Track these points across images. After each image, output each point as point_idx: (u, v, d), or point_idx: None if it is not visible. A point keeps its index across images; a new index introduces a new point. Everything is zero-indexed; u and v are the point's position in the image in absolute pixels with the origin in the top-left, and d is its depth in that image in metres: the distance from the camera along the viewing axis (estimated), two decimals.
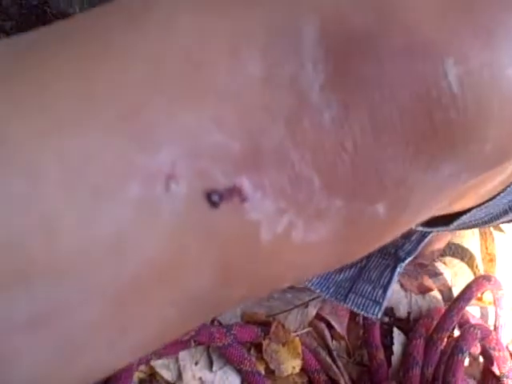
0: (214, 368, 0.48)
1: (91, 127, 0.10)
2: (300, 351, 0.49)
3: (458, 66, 0.11)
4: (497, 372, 0.50)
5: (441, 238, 0.55)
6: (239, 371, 0.48)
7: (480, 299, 0.55)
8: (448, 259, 0.57)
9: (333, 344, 0.52)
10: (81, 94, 0.10)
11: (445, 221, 0.25)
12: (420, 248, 0.31)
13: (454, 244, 0.57)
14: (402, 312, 0.54)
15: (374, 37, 0.11)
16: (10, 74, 0.10)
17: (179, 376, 0.48)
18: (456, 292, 0.54)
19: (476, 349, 0.50)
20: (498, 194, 0.22)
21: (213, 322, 0.50)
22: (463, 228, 0.27)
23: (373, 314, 0.31)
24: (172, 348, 0.48)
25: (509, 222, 0.28)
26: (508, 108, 0.12)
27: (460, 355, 0.47)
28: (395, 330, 0.52)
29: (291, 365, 0.49)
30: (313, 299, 0.52)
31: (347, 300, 0.32)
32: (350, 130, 0.12)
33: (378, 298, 0.32)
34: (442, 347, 0.50)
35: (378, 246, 0.14)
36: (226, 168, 0.11)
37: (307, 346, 0.50)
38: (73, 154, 0.10)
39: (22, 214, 0.10)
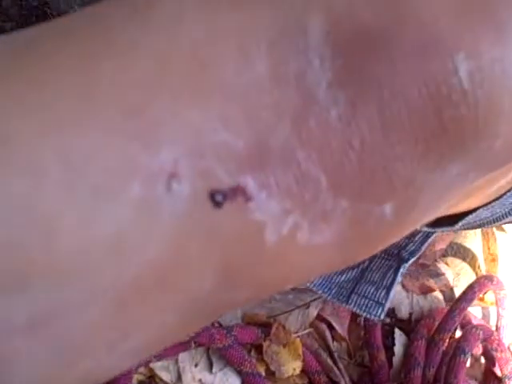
0: (214, 370, 0.48)
1: (92, 126, 0.10)
2: (301, 352, 0.49)
3: (469, 61, 0.11)
4: (498, 373, 0.50)
5: (443, 238, 0.55)
6: (239, 373, 0.48)
7: (482, 299, 0.55)
8: (450, 259, 0.56)
9: (334, 345, 0.51)
10: (82, 93, 0.10)
11: (449, 221, 0.24)
12: (423, 248, 0.31)
13: (456, 244, 0.57)
14: (403, 313, 0.54)
15: (387, 33, 0.11)
16: (9, 71, 0.10)
17: (179, 378, 0.48)
18: (458, 292, 0.54)
19: (478, 350, 0.50)
20: (505, 194, 0.22)
21: (213, 323, 0.50)
22: (468, 228, 0.26)
23: (375, 316, 0.31)
24: (171, 349, 0.48)
25: None
26: None
27: (462, 356, 0.47)
28: (397, 330, 0.52)
29: (292, 366, 0.49)
30: (314, 300, 0.52)
31: (349, 301, 0.32)
32: (358, 127, 0.11)
33: (380, 300, 0.31)
34: (444, 348, 0.49)
35: (383, 247, 0.14)
36: (230, 167, 0.11)
37: (308, 348, 0.50)
38: (73, 153, 0.10)
39: (22, 213, 0.10)
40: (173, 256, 0.11)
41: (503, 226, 0.56)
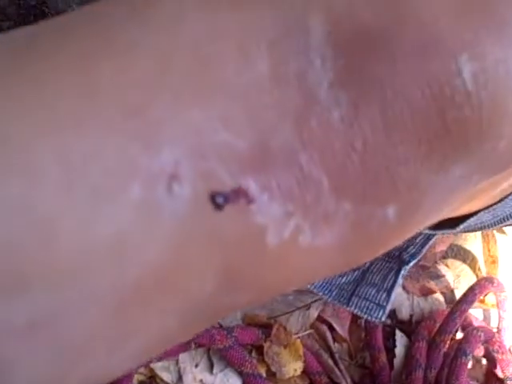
0: (215, 370, 0.48)
1: (92, 126, 0.10)
2: (301, 353, 0.49)
3: (473, 62, 0.11)
4: (500, 375, 0.50)
5: (443, 240, 0.55)
6: (240, 373, 0.48)
7: (483, 301, 0.54)
8: (450, 261, 0.56)
9: (335, 346, 0.51)
10: (82, 93, 0.10)
11: (451, 223, 0.24)
12: (424, 251, 0.31)
13: (456, 246, 0.57)
14: (404, 314, 0.54)
15: (387, 33, 0.11)
16: (8, 71, 0.10)
17: (179, 378, 0.48)
18: (458, 294, 0.54)
19: (479, 351, 0.50)
20: (506, 197, 0.22)
21: None
22: (469, 231, 0.26)
23: (376, 318, 0.31)
24: (172, 350, 0.48)
25: None
26: None
27: (463, 358, 0.47)
28: (397, 332, 0.52)
29: (293, 367, 0.49)
30: (315, 301, 0.51)
31: (350, 303, 0.32)
32: (360, 129, 0.11)
33: (381, 302, 0.31)
34: (445, 350, 0.49)
35: (386, 249, 0.14)
36: (231, 168, 0.11)
37: (309, 349, 0.50)
38: (73, 153, 0.10)
39: (21, 214, 0.09)
40: (173, 258, 0.11)
41: (504, 228, 0.56)
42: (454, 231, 0.25)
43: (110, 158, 0.10)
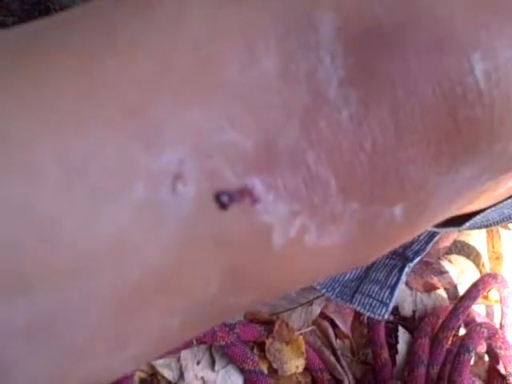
0: (216, 367, 0.48)
1: (92, 126, 0.10)
2: (304, 350, 0.49)
3: (485, 60, 0.11)
4: (503, 371, 0.50)
5: (447, 236, 0.55)
6: (242, 370, 0.48)
7: (486, 297, 0.54)
8: (454, 257, 0.56)
9: (337, 343, 0.51)
10: (83, 92, 0.10)
11: (457, 221, 0.24)
12: (428, 248, 0.31)
13: (460, 242, 0.57)
14: (406, 310, 0.53)
15: (401, 28, 0.11)
16: (9, 70, 0.10)
17: (181, 375, 0.48)
18: (462, 290, 0.54)
19: (482, 348, 0.50)
20: None
21: None
22: (474, 228, 0.26)
23: (379, 315, 0.31)
24: (173, 347, 0.48)
25: None
26: None
27: (466, 354, 0.47)
28: (400, 328, 0.52)
29: (294, 364, 0.49)
30: (317, 297, 0.51)
31: (353, 300, 0.32)
32: (369, 128, 0.11)
33: (384, 299, 0.31)
34: (448, 346, 0.49)
35: (392, 248, 0.14)
36: (237, 167, 0.11)
37: (311, 345, 0.50)
38: (74, 153, 0.10)
39: (21, 214, 0.09)
40: (177, 258, 0.11)
41: (508, 224, 0.55)
42: (459, 229, 0.25)
43: (110, 158, 0.10)
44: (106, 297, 0.10)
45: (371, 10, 0.11)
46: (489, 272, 0.55)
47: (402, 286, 0.53)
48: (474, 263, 0.56)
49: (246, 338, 0.48)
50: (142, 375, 0.48)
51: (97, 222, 0.10)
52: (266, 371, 0.48)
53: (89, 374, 0.11)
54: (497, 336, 0.49)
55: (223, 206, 0.11)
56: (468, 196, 0.14)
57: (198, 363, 0.48)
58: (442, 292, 0.55)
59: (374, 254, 0.14)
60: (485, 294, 0.53)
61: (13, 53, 0.11)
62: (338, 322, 0.51)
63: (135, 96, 0.10)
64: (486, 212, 0.23)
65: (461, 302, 0.50)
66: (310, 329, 0.51)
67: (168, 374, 0.48)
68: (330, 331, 0.51)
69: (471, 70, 0.11)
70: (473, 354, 0.48)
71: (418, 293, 0.54)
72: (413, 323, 0.53)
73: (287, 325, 0.50)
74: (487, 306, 0.55)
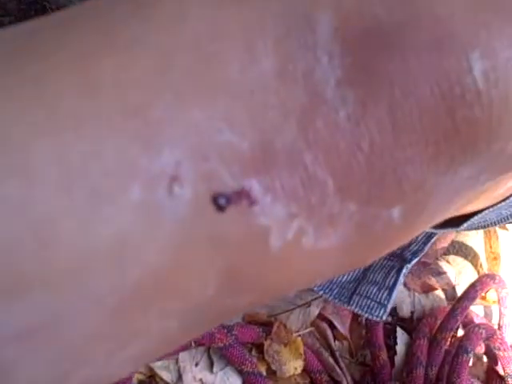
0: (215, 369, 0.48)
1: (91, 126, 0.10)
2: (302, 352, 0.49)
3: (484, 60, 0.11)
4: (501, 372, 0.50)
5: (445, 237, 0.55)
6: (240, 372, 0.48)
7: (484, 298, 0.54)
8: (451, 258, 0.56)
9: (335, 344, 0.51)
10: (82, 92, 0.10)
11: (454, 222, 0.24)
12: (426, 249, 0.31)
13: (458, 242, 0.57)
14: (405, 311, 0.53)
15: (400, 28, 0.11)
16: (8, 70, 0.10)
17: (179, 377, 0.48)
18: (460, 291, 0.53)
19: (480, 348, 0.50)
20: (511, 195, 0.22)
21: None
22: (472, 229, 0.26)
23: (377, 317, 0.31)
24: None
25: None
26: None
27: (465, 355, 0.47)
28: (399, 329, 0.52)
29: (293, 365, 0.49)
30: (315, 299, 0.51)
31: (351, 302, 0.32)
32: (367, 128, 0.11)
33: (383, 300, 0.31)
34: (446, 347, 0.49)
35: (390, 250, 0.14)
36: (234, 169, 0.11)
37: (309, 347, 0.50)
38: (72, 154, 0.10)
39: (20, 215, 0.09)
40: (174, 259, 0.11)
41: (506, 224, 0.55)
42: (457, 229, 0.25)
43: (110, 159, 0.10)
44: (106, 297, 0.10)
45: (371, 9, 0.11)
46: (487, 272, 0.55)
47: (399, 286, 0.53)
48: (472, 264, 0.56)
49: (244, 340, 0.48)
50: (141, 377, 0.47)
51: (96, 223, 0.10)
52: (264, 373, 0.48)
53: (89, 374, 0.11)
54: (495, 337, 0.49)
55: (220, 208, 0.11)
56: (467, 196, 0.14)
57: (197, 365, 0.48)
58: (439, 293, 0.55)
59: (371, 256, 0.14)
60: (483, 294, 0.53)
61: (12, 52, 0.10)
62: (336, 323, 0.51)
63: (135, 96, 0.10)
64: (483, 213, 0.23)
65: (459, 302, 0.50)
66: (308, 330, 0.51)
67: (166, 375, 0.48)
68: (329, 332, 0.51)
69: (470, 70, 0.11)
70: (471, 355, 0.48)
71: (416, 294, 0.54)
72: (411, 324, 0.53)
73: (285, 326, 0.50)
74: (485, 307, 0.55)
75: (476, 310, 0.53)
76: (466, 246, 0.57)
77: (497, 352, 0.49)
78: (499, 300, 0.53)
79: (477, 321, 0.52)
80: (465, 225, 0.24)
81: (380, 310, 0.31)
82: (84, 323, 0.10)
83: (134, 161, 0.10)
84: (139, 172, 0.10)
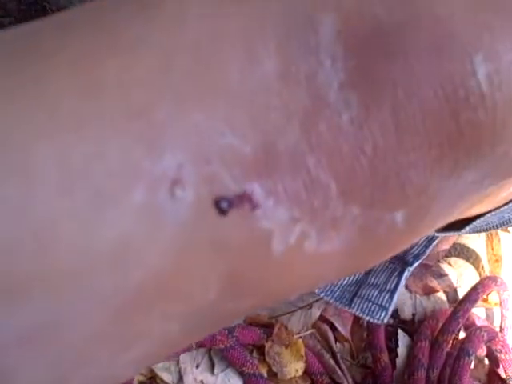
0: (216, 371, 0.48)
1: (94, 128, 0.10)
2: (303, 353, 0.49)
3: (488, 63, 0.11)
4: (503, 375, 0.50)
5: (446, 239, 0.54)
6: (241, 374, 0.48)
7: (486, 300, 0.54)
8: (453, 260, 0.56)
9: (336, 346, 0.51)
10: (84, 93, 0.10)
11: (457, 225, 0.24)
12: (428, 252, 0.31)
13: (460, 244, 0.57)
14: (406, 313, 0.53)
15: (401, 29, 0.11)
16: (10, 71, 0.10)
17: (180, 379, 0.48)
18: (461, 293, 0.53)
19: (482, 351, 0.50)
20: None
21: None
22: (474, 232, 0.26)
23: (378, 320, 0.31)
24: None
25: None
26: None
27: (466, 358, 0.47)
28: (400, 332, 0.52)
29: (294, 367, 0.48)
30: (316, 301, 0.51)
31: (352, 305, 0.32)
32: (370, 132, 0.11)
33: (384, 303, 0.31)
34: (448, 349, 0.49)
35: (393, 254, 0.14)
36: (236, 173, 0.10)
37: (310, 349, 0.50)
38: (74, 155, 0.10)
39: (21, 217, 0.09)
40: (175, 263, 0.11)
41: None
42: (459, 233, 0.24)
43: (113, 160, 0.10)
44: (107, 300, 0.10)
45: (372, 11, 0.11)
46: (488, 275, 0.55)
47: (401, 289, 0.53)
48: (474, 266, 0.56)
49: (245, 342, 0.48)
50: (142, 378, 0.47)
51: (98, 225, 0.10)
52: (265, 374, 0.48)
53: (91, 378, 0.11)
54: (497, 339, 0.49)
55: (222, 211, 0.11)
56: (471, 200, 0.14)
57: (198, 366, 0.48)
58: (441, 295, 0.55)
59: (374, 260, 0.14)
60: (484, 296, 0.53)
61: (14, 53, 0.10)
62: (337, 325, 0.51)
63: (138, 97, 0.10)
64: (486, 216, 0.23)
65: (460, 305, 0.50)
66: (309, 332, 0.51)
67: (167, 377, 0.48)
68: (330, 334, 0.51)
69: (474, 73, 0.11)
70: (473, 357, 0.47)
71: (418, 296, 0.54)
72: (412, 326, 0.53)
73: (286, 328, 0.50)
74: (487, 309, 0.55)
75: (478, 313, 0.53)
76: (468, 249, 0.57)
77: (498, 355, 0.49)
78: (501, 302, 0.52)
79: (478, 323, 0.52)
80: (467, 228, 0.23)
81: (381, 312, 0.31)
82: (85, 326, 0.10)
83: (137, 163, 0.10)
84: (142, 174, 0.10)
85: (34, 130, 0.10)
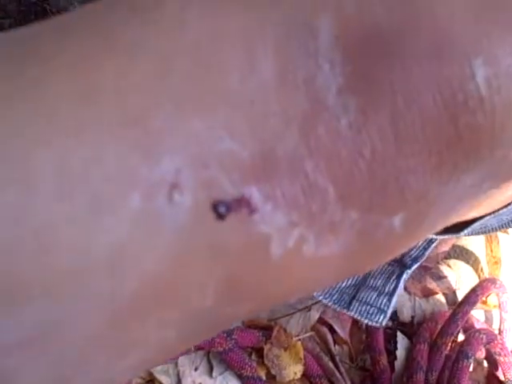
0: (214, 373, 0.48)
1: (91, 133, 0.10)
2: (302, 356, 0.49)
3: (487, 67, 0.10)
4: (501, 377, 0.50)
5: (446, 241, 0.55)
6: (240, 376, 0.48)
7: (485, 303, 0.54)
8: (452, 262, 0.56)
9: (335, 349, 0.51)
10: (82, 98, 0.10)
11: (455, 228, 0.24)
12: (427, 254, 0.30)
13: (459, 246, 0.57)
14: (405, 316, 0.53)
15: (400, 33, 0.11)
16: (8, 75, 0.10)
17: (179, 382, 0.48)
18: (460, 295, 0.53)
19: (481, 353, 0.50)
20: None
21: None
22: (473, 234, 0.26)
23: (377, 323, 0.31)
24: None
25: None
26: None
27: (465, 361, 0.47)
28: (399, 334, 0.52)
29: (293, 370, 0.48)
30: (315, 303, 0.51)
31: (351, 308, 0.32)
32: (369, 136, 0.11)
33: (382, 306, 0.31)
34: (447, 352, 0.49)
35: (391, 257, 0.14)
36: (234, 177, 0.10)
37: (309, 351, 0.50)
38: (71, 161, 0.10)
39: (19, 222, 0.09)
40: (173, 269, 0.11)
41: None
42: (458, 235, 0.24)
43: (110, 165, 0.10)
44: (105, 304, 0.10)
45: (371, 16, 0.11)
46: (487, 277, 0.55)
47: (400, 291, 0.53)
48: (473, 268, 0.56)
49: (243, 344, 0.48)
50: (140, 381, 0.47)
51: (96, 230, 0.10)
52: (264, 377, 0.48)
53: (89, 381, 0.11)
54: (496, 342, 0.49)
55: (220, 216, 0.11)
56: (469, 204, 0.13)
57: (196, 369, 0.48)
58: (440, 297, 0.55)
59: (372, 264, 0.14)
60: (483, 299, 0.53)
61: (12, 57, 0.10)
62: (336, 327, 0.51)
63: (135, 102, 0.10)
64: (484, 219, 0.22)
65: (459, 307, 0.50)
66: (308, 334, 0.51)
67: (166, 380, 0.48)
68: (329, 337, 0.51)
69: (472, 76, 0.11)
70: (472, 360, 0.48)
71: (417, 298, 0.54)
72: (411, 329, 0.53)
73: (285, 330, 0.50)
74: (486, 311, 0.55)
75: (477, 315, 0.53)
76: (467, 251, 0.57)
77: (497, 357, 0.49)
78: (500, 305, 0.53)
79: (477, 326, 0.52)
80: (466, 231, 0.23)
81: (380, 315, 0.31)
82: (84, 331, 0.10)
83: (133, 169, 0.10)
84: (139, 181, 0.10)
85: (33, 135, 0.10)
